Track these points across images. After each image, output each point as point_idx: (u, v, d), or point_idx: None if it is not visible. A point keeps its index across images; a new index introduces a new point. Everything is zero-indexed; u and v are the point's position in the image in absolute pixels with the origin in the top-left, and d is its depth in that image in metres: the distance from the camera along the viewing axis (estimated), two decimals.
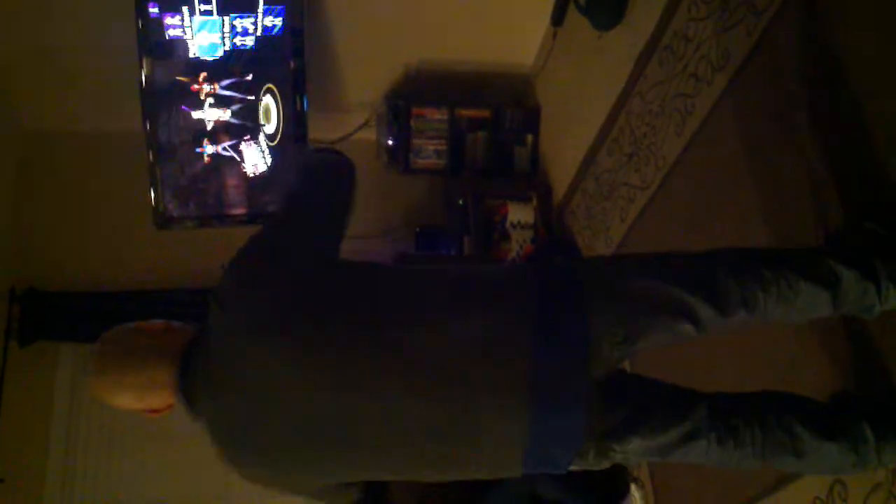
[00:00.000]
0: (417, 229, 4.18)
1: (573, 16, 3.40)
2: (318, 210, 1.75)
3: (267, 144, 3.70)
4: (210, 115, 3.58)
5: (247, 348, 1.56)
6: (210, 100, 3.54)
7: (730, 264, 1.63)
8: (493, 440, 1.51)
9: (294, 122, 3.65)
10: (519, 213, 4.04)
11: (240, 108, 3.60)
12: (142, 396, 1.64)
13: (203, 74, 3.47)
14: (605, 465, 1.61)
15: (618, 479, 3.20)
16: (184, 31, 3.32)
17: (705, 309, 1.57)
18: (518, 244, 3.97)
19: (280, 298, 1.59)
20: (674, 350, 2.59)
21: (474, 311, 1.56)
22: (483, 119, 4.11)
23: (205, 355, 1.59)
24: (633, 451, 1.59)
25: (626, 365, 3.12)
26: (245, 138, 3.68)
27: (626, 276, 1.63)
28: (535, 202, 4.07)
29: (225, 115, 3.60)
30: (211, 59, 3.45)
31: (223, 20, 3.34)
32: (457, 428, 1.51)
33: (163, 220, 3.64)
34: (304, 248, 1.66)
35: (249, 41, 3.45)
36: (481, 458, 1.55)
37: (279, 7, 3.38)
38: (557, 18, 3.61)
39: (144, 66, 3.28)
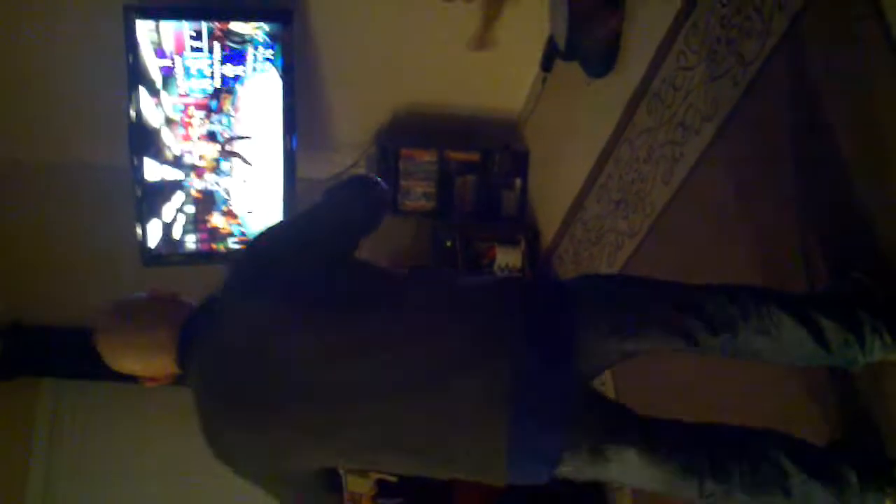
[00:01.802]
0: (405, 270, 4.16)
1: (562, 62, 3.42)
2: (347, 211, 1.91)
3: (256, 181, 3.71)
4: (199, 150, 3.58)
5: (248, 314, 1.68)
6: (200, 135, 3.54)
7: (709, 291, 1.67)
8: (475, 413, 1.54)
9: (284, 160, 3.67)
10: (507, 257, 4.03)
11: (230, 145, 3.60)
12: (144, 358, 1.75)
13: (193, 109, 3.48)
14: (600, 471, 1.59)
15: None
16: (174, 67, 3.33)
17: (691, 320, 1.61)
18: None
19: (288, 278, 1.72)
20: (666, 396, 2.59)
21: (465, 292, 1.71)
22: (472, 162, 4.11)
23: (210, 320, 1.71)
24: (629, 463, 1.58)
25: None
26: (234, 175, 3.68)
27: (613, 283, 1.78)
28: (522, 246, 4.07)
29: (215, 151, 3.59)
30: (202, 95, 3.46)
31: (213, 57, 3.36)
32: (438, 396, 1.55)
33: (150, 257, 3.62)
34: (322, 242, 1.81)
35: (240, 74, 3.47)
36: (464, 440, 1.57)
37: (270, 46, 3.40)
38: (547, 65, 3.64)
39: (134, 100, 3.28)
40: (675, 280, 1.76)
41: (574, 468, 1.58)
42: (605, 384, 3.16)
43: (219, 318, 1.71)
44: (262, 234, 1.88)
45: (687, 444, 1.63)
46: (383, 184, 2.08)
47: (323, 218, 1.89)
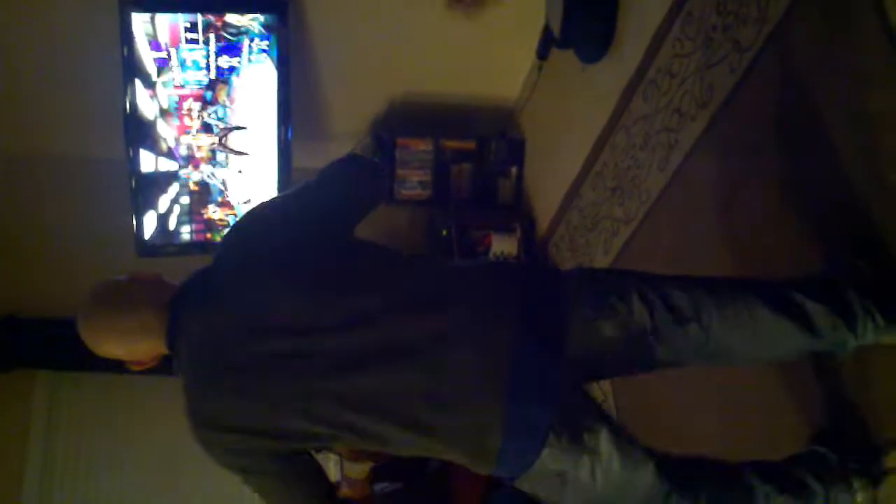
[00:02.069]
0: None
1: (558, 50, 3.43)
2: (341, 189, 1.89)
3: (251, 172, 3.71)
4: (195, 142, 3.57)
5: (239, 288, 1.67)
6: (196, 127, 3.54)
7: (687, 282, 1.67)
8: (472, 387, 1.55)
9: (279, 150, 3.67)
10: (502, 244, 4.05)
11: (226, 136, 3.60)
12: (127, 342, 1.71)
13: (189, 101, 3.47)
14: (577, 455, 1.56)
15: None
16: (169, 59, 3.33)
17: (661, 310, 1.60)
18: None
19: (278, 254, 1.71)
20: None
21: (460, 272, 1.74)
22: (468, 150, 4.12)
23: (200, 297, 1.68)
24: (603, 449, 1.57)
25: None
26: (230, 165, 3.68)
27: (601, 273, 1.79)
28: (518, 233, 4.08)
29: (211, 142, 3.59)
30: (197, 86, 3.45)
31: (209, 49, 3.35)
32: (436, 370, 1.55)
33: (145, 248, 3.62)
34: (314, 220, 1.79)
35: (235, 65, 3.46)
36: (462, 412, 1.55)
37: (266, 37, 3.40)
38: (543, 53, 3.64)
39: (129, 92, 3.28)
40: (663, 272, 1.75)
41: (557, 447, 1.55)
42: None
43: (209, 295, 1.68)
44: (253, 210, 1.85)
45: (661, 453, 1.64)
46: (378, 163, 2.06)
47: (316, 195, 1.86)
